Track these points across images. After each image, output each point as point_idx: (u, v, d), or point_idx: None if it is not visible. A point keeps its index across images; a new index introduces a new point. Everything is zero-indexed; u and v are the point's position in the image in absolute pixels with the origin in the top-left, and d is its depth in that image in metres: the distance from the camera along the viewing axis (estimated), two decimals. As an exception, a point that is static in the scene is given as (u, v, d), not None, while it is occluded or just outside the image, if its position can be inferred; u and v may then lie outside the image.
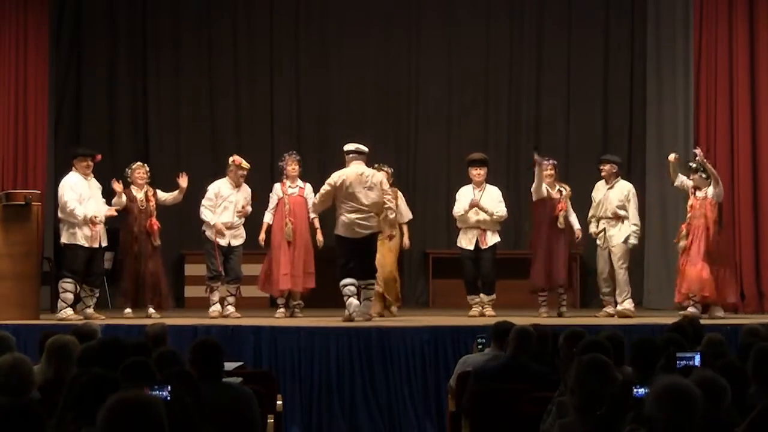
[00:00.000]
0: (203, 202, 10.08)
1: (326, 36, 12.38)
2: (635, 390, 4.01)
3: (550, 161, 10.29)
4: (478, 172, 10.21)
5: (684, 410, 3.55)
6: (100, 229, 9.78)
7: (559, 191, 10.22)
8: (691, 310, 9.49)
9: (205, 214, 10.05)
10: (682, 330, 6.42)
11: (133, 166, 10.12)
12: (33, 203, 9.59)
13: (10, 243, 9.50)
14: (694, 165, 9.92)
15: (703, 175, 9.85)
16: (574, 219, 10.24)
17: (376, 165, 10.17)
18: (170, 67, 12.27)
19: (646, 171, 11.57)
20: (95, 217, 9.64)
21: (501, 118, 12.35)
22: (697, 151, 9.91)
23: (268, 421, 5.78)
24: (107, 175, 10.58)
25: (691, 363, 4.94)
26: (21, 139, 10.61)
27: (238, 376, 6.09)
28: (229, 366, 6.32)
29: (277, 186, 10.20)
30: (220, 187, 10.11)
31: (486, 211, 10.04)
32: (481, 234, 10.15)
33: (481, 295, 10.14)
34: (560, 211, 10.12)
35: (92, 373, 4.17)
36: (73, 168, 9.84)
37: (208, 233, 10.05)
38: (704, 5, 10.70)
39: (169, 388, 3.94)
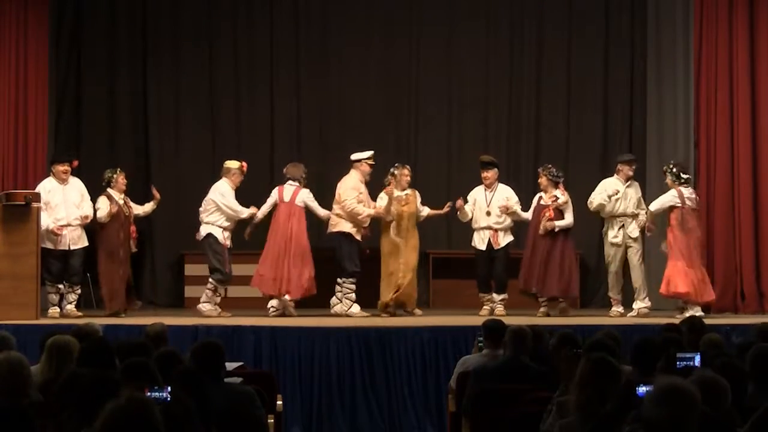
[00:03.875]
0: (228, 203, 10.05)
1: (327, 37, 12.36)
2: (638, 389, 4.01)
3: (541, 169, 10.38)
4: (485, 175, 10.43)
5: (682, 410, 3.54)
6: (70, 231, 9.93)
7: (554, 197, 10.24)
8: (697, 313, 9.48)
9: (239, 209, 10.12)
10: (677, 330, 6.42)
11: (117, 172, 10.18)
12: (33, 203, 9.59)
13: (10, 243, 9.50)
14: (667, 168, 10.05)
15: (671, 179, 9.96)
16: (563, 223, 10.22)
17: (396, 164, 10.22)
18: (170, 67, 12.25)
19: (646, 171, 11.54)
20: (57, 227, 9.85)
21: (501, 118, 12.34)
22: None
23: (269, 421, 5.75)
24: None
25: (691, 363, 4.93)
26: (21, 139, 10.61)
27: (239, 376, 6.10)
28: (230, 366, 6.33)
29: (276, 191, 10.21)
30: (230, 190, 10.18)
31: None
32: (493, 234, 10.35)
33: (493, 294, 10.32)
34: (542, 216, 10.17)
35: (92, 373, 4.23)
36: (51, 174, 9.97)
37: (220, 236, 10.04)
38: (704, 5, 10.68)
39: (169, 389, 3.95)
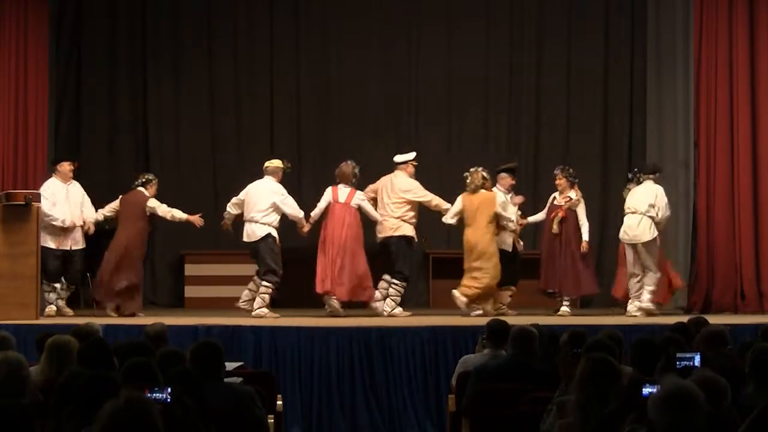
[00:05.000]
0: (291, 202, 9.93)
1: (326, 36, 12.36)
2: (644, 389, 4.00)
3: (559, 170, 10.39)
4: (513, 183, 10.43)
5: (687, 414, 3.56)
6: (74, 232, 10.01)
7: (568, 197, 10.26)
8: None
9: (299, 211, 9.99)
10: (684, 330, 6.40)
11: (155, 179, 10.20)
12: (33, 203, 9.58)
13: (10, 243, 9.48)
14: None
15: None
16: (584, 230, 10.26)
17: (472, 169, 10.19)
18: (170, 67, 12.26)
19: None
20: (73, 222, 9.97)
21: (501, 118, 12.34)
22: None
23: (269, 421, 5.68)
24: (105, 175, 10.59)
25: (690, 363, 4.91)
26: (21, 139, 10.60)
27: (238, 376, 6.07)
28: (230, 366, 6.29)
29: (330, 191, 10.05)
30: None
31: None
32: (516, 237, 10.40)
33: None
34: (553, 216, 10.18)
35: (91, 373, 4.24)
36: (54, 173, 10.03)
37: (275, 234, 9.92)
38: (704, 5, 10.65)
39: (169, 389, 3.94)
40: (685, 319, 7.52)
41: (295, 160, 11.93)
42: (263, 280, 9.84)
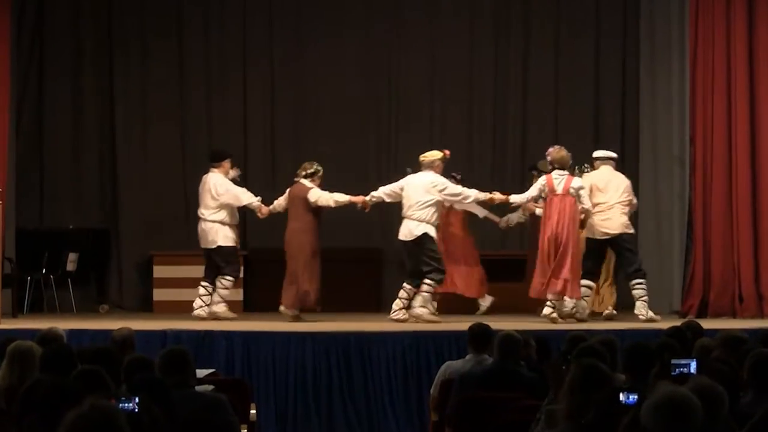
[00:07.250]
0: (461, 189, 9.63)
1: (302, 30, 12.19)
2: (624, 397, 3.93)
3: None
4: None
5: (683, 422, 3.49)
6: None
7: None
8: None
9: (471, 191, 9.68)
10: (681, 336, 6.29)
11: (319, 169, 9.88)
12: (-7, 204, 9.37)
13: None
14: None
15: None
16: None
17: (586, 166, 10.07)
18: (137, 61, 12.07)
19: (639, 170, 11.43)
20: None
21: (486, 116, 12.24)
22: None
23: (242, 431, 5.66)
24: (69, 171, 10.30)
25: (686, 370, 4.79)
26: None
27: (210, 383, 6.00)
28: (201, 373, 6.33)
29: (544, 180, 9.56)
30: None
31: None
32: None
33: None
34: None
35: (55, 380, 4.24)
36: (218, 169, 9.91)
37: (435, 234, 9.57)
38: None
39: (137, 399, 3.84)
40: (679, 324, 7.39)
41: (269, 156, 11.73)
42: (425, 277, 9.46)
